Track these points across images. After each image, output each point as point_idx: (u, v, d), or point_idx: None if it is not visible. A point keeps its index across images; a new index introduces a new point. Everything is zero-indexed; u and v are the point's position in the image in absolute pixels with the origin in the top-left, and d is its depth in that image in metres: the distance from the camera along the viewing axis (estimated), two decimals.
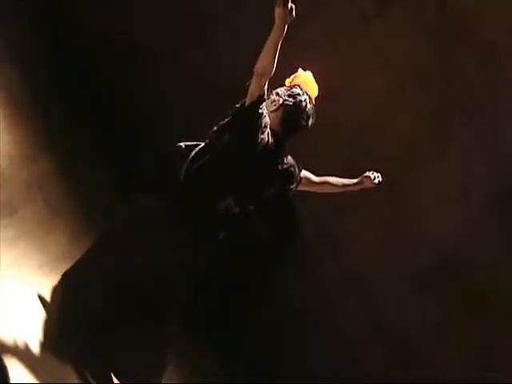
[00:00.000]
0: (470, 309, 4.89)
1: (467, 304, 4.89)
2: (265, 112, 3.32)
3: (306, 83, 3.52)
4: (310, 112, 3.47)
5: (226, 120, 3.40)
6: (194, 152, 3.50)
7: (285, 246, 5.27)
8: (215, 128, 3.42)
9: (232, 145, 3.34)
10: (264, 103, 3.31)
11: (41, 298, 3.69)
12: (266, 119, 3.34)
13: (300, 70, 3.56)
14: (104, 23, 5.38)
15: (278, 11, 2.95)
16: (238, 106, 3.38)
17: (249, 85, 3.28)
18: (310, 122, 3.49)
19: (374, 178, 3.66)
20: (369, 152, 4.82)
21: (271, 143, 3.39)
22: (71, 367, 3.47)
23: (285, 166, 3.49)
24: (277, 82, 3.38)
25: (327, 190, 3.72)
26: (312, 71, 3.52)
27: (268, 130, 3.37)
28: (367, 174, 3.68)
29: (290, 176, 3.54)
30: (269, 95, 3.42)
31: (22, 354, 3.26)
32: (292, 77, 3.55)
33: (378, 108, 4.95)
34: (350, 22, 4.90)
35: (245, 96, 3.30)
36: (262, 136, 3.33)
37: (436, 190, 4.99)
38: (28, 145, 4.22)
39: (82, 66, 5.42)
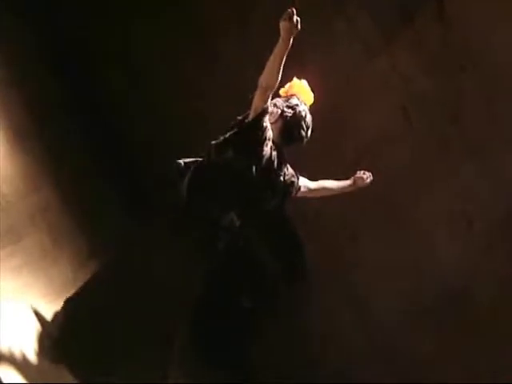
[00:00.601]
0: (471, 336, 4.91)
1: (468, 331, 4.92)
2: (268, 125, 3.29)
3: (301, 92, 3.49)
4: (309, 122, 3.45)
5: (229, 134, 3.34)
6: (194, 168, 3.51)
7: (289, 271, 5.31)
8: (215, 142, 3.37)
9: (236, 160, 3.31)
10: (267, 116, 3.28)
11: (42, 320, 3.78)
12: (270, 132, 3.31)
13: (295, 78, 3.50)
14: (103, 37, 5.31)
15: (284, 24, 2.95)
16: (240, 118, 3.34)
17: (252, 97, 3.25)
18: (309, 133, 3.46)
19: (367, 178, 3.73)
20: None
21: (273, 155, 3.38)
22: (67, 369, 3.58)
23: (286, 177, 3.48)
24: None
25: (324, 193, 3.74)
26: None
27: (270, 142, 3.35)
28: (359, 174, 3.74)
29: (290, 186, 3.52)
30: None
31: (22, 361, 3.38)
32: (287, 86, 3.49)
33: (382, 137, 4.92)
34: (355, 53, 4.84)
35: (248, 108, 3.26)
36: (266, 149, 3.31)
37: (439, 218, 4.97)
38: (31, 173, 4.26)
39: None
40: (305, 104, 3.46)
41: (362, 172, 3.75)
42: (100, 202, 4.50)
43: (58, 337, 3.70)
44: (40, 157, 4.38)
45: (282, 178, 3.45)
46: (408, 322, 5.06)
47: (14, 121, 4.31)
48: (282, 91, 3.52)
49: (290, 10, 2.94)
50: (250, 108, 3.26)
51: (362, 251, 5.15)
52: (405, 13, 4.69)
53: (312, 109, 3.47)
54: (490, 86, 4.66)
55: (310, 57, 4.52)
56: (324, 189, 3.70)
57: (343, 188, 3.75)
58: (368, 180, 3.74)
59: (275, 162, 3.39)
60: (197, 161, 3.50)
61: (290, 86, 3.53)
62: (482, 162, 4.78)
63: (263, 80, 3.13)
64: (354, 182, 3.74)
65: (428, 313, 4.96)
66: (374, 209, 5.01)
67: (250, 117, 3.25)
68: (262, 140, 3.27)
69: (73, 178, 4.54)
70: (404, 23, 4.70)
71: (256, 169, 3.32)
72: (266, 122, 3.26)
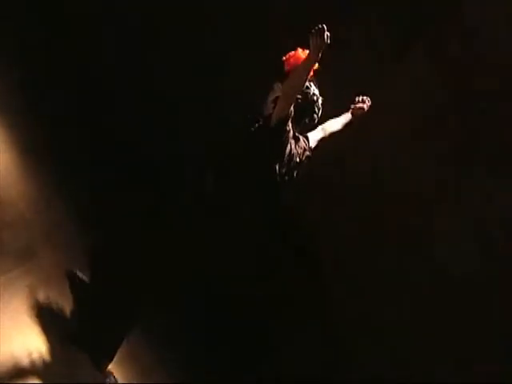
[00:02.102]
0: (488, 348, 4.84)
1: (485, 343, 4.84)
2: (290, 127, 3.32)
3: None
4: (320, 105, 3.52)
5: (249, 135, 3.39)
6: (218, 166, 3.52)
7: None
8: (237, 142, 3.45)
9: (263, 163, 3.37)
10: (290, 119, 3.29)
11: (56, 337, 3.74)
12: (291, 132, 3.36)
13: (299, 49, 3.45)
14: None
15: (315, 41, 3.00)
16: (261, 121, 3.37)
17: (274, 99, 3.30)
18: (320, 114, 3.54)
19: (366, 105, 3.79)
20: (387, 191, 4.81)
21: (292, 145, 3.44)
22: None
23: (302, 156, 3.53)
24: None
25: (332, 135, 3.77)
26: None
27: (291, 138, 3.40)
28: (357, 103, 3.79)
29: (306, 159, 3.58)
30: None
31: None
32: (288, 55, 3.47)
33: (399, 151, 4.92)
34: (370, 62, 4.86)
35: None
36: (289, 147, 3.39)
37: (454, 228, 4.94)
38: (47, 189, 4.25)
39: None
40: (314, 84, 3.50)
41: (360, 98, 3.79)
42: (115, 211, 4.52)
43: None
44: (56, 174, 4.39)
45: (298, 159, 3.51)
46: (423, 337, 4.97)
47: (27, 139, 4.34)
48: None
49: (321, 26, 2.99)
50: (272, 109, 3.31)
51: (376, 265, 5.10)
52: (423, 19, 4.71)
53: None
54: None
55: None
56: (330, 133, 3.75)
57: (346, 123, 3.80)
58: (366, 106, 3.79)
59: (293, 150, 3.45)
60: (215, 158, 3.54)
61: (290, 56, 3.48)
62: (498, 171, 4.75)
63: (289, 88, 3.20)
64: (354, 112, 3.80)
65: (445, 325, 4.88)
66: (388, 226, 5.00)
67: (274, 121, 3.27)
68: (286, 143, 3.35)
69: (88, 194, 4.53)
70: (421, 30, 4.71)
71: (279, 166, 3.39)
72: (289, 125, 3.30)
